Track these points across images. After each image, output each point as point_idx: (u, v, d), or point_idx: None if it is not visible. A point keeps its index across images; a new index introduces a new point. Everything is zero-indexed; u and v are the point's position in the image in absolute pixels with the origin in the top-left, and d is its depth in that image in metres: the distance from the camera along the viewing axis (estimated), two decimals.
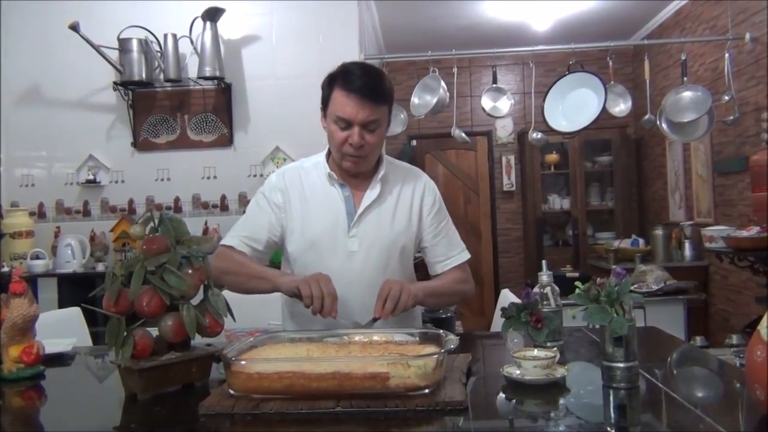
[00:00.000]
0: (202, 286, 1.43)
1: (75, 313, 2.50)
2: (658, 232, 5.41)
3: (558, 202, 6.72)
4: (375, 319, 1.67)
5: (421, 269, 2.04)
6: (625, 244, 5.59)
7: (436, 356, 1.23)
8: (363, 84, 1.72)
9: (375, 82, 1.76)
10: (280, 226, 1.87)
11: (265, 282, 1.77)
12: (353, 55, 4.24)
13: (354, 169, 1.83)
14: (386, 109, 1.79)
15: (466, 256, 1.97)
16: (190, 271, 1.37)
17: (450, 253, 1.94)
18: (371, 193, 1.85)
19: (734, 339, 3.31)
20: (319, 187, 1.87)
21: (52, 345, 1.74)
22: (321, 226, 1.83)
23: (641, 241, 5.57)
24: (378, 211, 1.85)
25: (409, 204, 1.90)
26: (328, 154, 1.90)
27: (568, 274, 4.43)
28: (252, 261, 1.84)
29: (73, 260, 4.01)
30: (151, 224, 1.41)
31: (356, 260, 1.82)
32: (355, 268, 1.81)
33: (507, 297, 2.51)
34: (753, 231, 3.47)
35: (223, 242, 1.90)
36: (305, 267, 1.85)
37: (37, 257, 3.99)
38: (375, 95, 1.74)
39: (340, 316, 1.75)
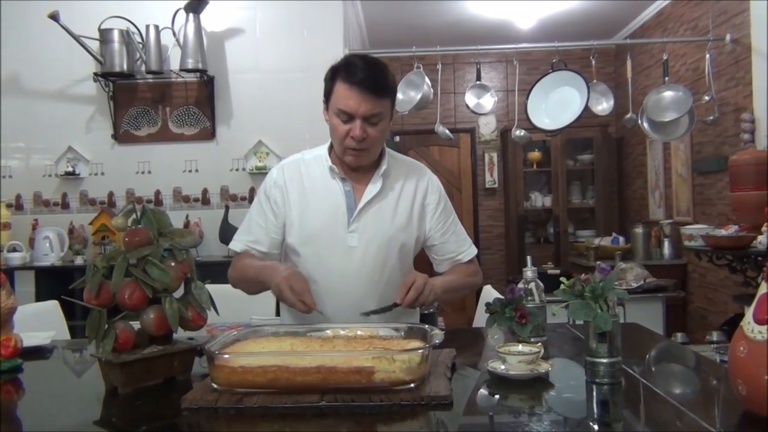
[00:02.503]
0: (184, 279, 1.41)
1: (53, 306, 2.46)
2: (638, 230, 5.46)
3: (540, 200, 6.76)
4: (395, 305, 1.67)
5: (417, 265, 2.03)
6: (606, 241, 5.63)
7: (421, 351, 1.22)
8: (366, 77, 1.70)
9: (378, 75, 1.73)
10: (281, 224, 1.86)
11: (262, 285, 1.78)
12: (337, 51, 4.22)
13: (355, 162, 1.81)
14: (389, 102, 1.77)
15: (475, 251, 1.97)
16: (173, 264, 1.36)
17: (460, 250, 1.94)
18: (372, 188, 1.83)
19: (714, 336, 3.35)
20: (319, 181, 1.85)
21: (30, 338, 1.71)
22: (320, 221, 1.81)
23: (621, 239, 5.62)
24: (379, 206, 1.83)
25: (411, 201, 1.87)
26: (331, 147, 1.88)
27: (549, 271, 4.46)
28: (253, 262, 1.84)
29: (51, 253, 3.96)
30: (134, 216, 1.39)
31: (355, 255, 1.80)
32: (353, 264, 1.80)
33: (490, 293, 2.52)
34: (731, 230, 3.51)
35: (230, 246, 1.93)
36: (304, 260, 1.84)
37: (14, 250, 3.94)
38: (378, 88, 1.71)
39: (335, 311, 1.75)
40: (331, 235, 1.80)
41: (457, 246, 1.93)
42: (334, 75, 1.76)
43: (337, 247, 1.80)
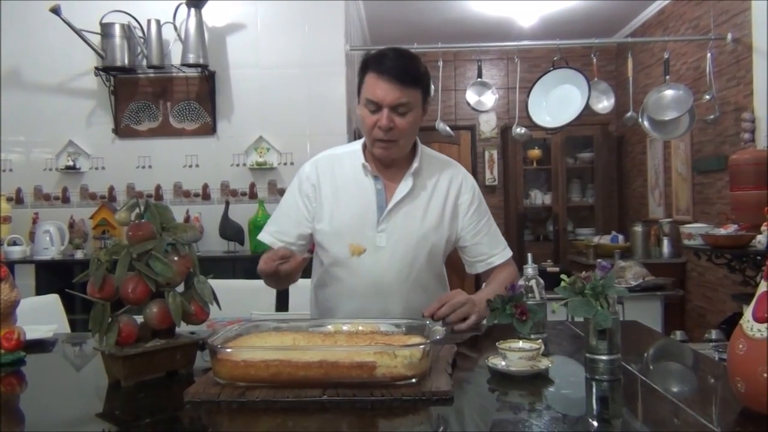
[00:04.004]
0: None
1: (53, 300, 2.47)
2: (638, 228, 5.48)
3: (539, 198, 6.77)
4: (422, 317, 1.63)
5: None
6: (605, 240, 5.65)
7: (422, 346, 1.23)
8: (394, 66, 1.69)
9: (406, 64, 1.72)
10: (311, 218, 1.85)
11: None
12: (338, 47, 4.23)
13: (384, 155, 1.78)
14: (418, 93, 1.74)
15: (509, 253, 1.92)
16: (175, 258, 1.36)
17: (492, 252, 1.90)
18: (403, 188, 1.81)
19: (713, 334, 3.36)
20: (351, 177, 1.84)
21: (33, 331, 1.71)
22: (349, 218, 1.80)
23: (621, 237, 5.64)
24: (409, 206, 1.81)
25: (443, 200, 1.85)
26: (365, 145, 1.86)
27: (549, 269, 4.48)
28: None
29: (51, 247, 3.96)
30: (137, 210, 1.39)
31: (383, 256, 1.78)
32: (381, 264, 1.78)
33: None
34: (730, 229, 3.53)
35: (259, 237, 1.93)
36: (331, 258, 1.83)
37: (15, 243, 3.94)
38: (405, 77, 1.70)
39: (361, 311, 1.74)
40: (360, 233, 1.78)
41: (489, 248, 1.89)
42: (364, 67, 1.75)
43: (365, 246, 1.78)
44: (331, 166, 1.86)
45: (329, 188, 1.83)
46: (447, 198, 1.85)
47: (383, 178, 1.82)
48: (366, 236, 1.78)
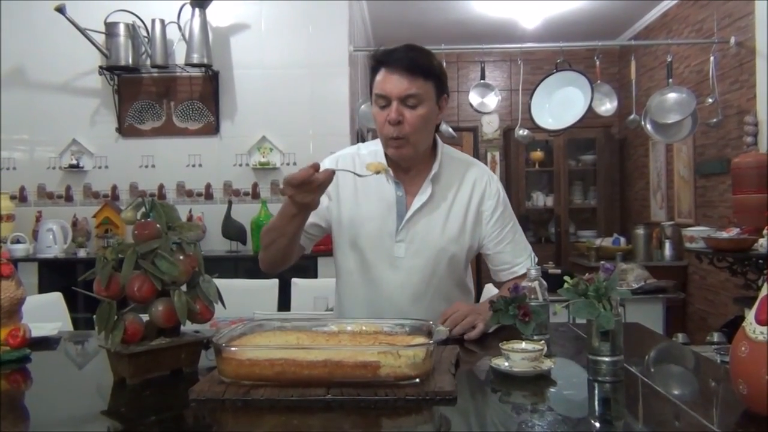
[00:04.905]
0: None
1: (56, 298, 2.49)
2: (639, 231, 5.48)
3: (541, 200, 6.78)
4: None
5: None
6: (607, 242, 5.66)
7: (426, 346, 1.24)
8: (402, 57, 1.64)
9: (416, 56, 1.66)
10: (327, 211, 1.77)
11: (281, 222, 1.62)
12: (342, 48, 4.24)
13: (396, 155, 1.71)
14: (430, 86, 1.67)
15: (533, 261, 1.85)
16: (181, 257, 1.37)
17: (515, 261, 1.82)
18: (421, 197, 1.75)
19: (715, 337, 3.37)
20: (372, 181, 1.74)
21: (38, 329, 1.72)
22: (368, 226, 1.75)
23: (622, 239, 5.64)
24: (429, 216, 1.75)
25: (465, 208, 1.78)
26: None
27: (551, 271, 4.47)
28: None
29: (54, 245, 3.98)
30: (143, 209, 1.40)
31: (401, 266, 1.74)
32: (399, 275, 1.74)
33: (491, 292, 2.53)
34: (733, 232, 3.53)
35: None
36: (350, 265, 1.80)
37: (18, 241, 3.95)
38: (414, 68, 1.64)
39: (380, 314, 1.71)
40: (378, 243, 1.74)
41: (512, 257, 1.82)
42: (375, 66, 1.70)
43: (383, 256, 1.74)
44: (352, 166, 1.77)
45: (350, 190, 1.77)
46: (469, 205, 1.78)
47: (403, 185, 1.76)
48: (384, 246, 1.74)
